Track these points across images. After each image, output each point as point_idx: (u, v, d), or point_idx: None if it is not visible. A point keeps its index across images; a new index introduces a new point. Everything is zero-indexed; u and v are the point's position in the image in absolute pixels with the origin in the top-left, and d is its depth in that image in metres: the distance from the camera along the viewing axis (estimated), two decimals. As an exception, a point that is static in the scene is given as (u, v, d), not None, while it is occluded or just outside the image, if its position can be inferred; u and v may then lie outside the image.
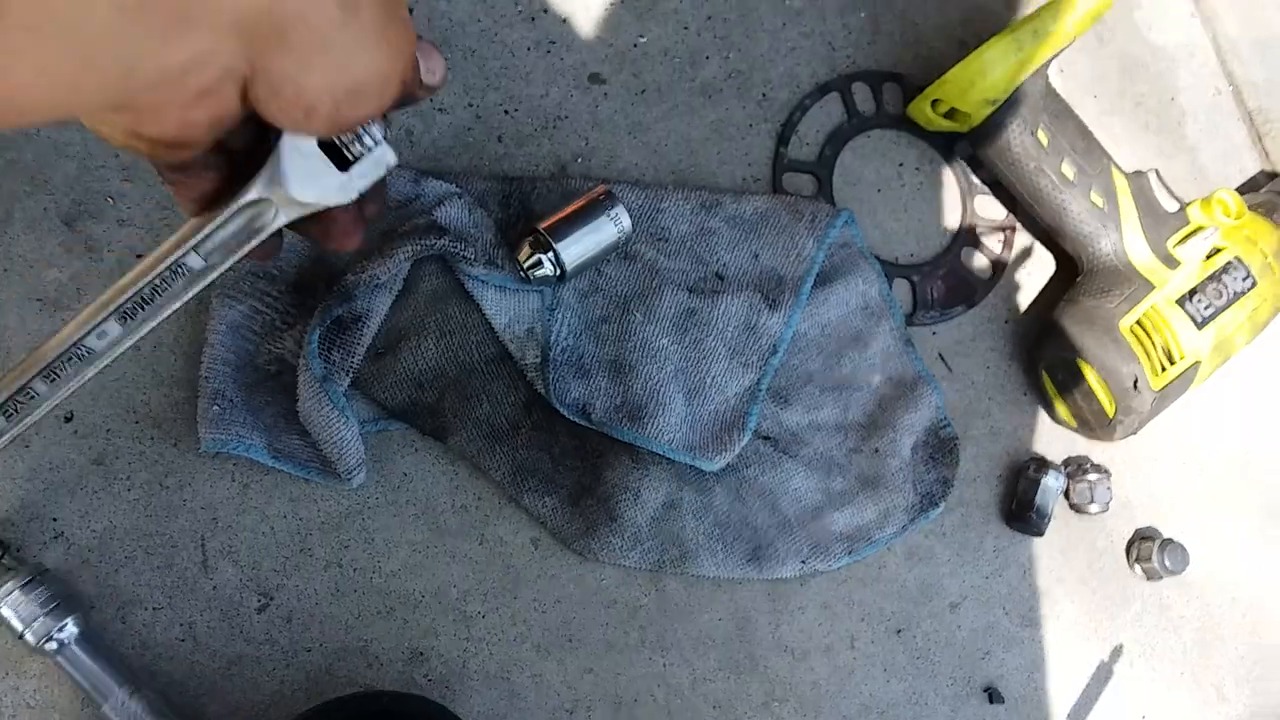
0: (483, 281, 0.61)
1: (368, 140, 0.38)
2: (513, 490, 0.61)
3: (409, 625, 0.59)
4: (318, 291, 0.60)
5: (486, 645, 0.60)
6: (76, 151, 0.59)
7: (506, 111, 0.67)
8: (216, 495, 0.57)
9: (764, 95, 0.73)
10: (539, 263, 0.61)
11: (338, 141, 0.37)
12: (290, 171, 0.36)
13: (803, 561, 0.65)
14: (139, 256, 0.59)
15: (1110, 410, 0.70)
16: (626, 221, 0.62)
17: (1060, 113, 0.73)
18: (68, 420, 0.56)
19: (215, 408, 0.57)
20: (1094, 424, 0.72)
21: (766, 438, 0.67)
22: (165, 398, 0.58)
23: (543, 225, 0.61)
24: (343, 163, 0.38)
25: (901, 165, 0.76)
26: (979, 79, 0.69)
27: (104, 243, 0.59)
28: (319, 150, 0.37)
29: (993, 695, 0.69)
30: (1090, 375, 0.70)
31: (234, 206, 0.38)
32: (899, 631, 0.68)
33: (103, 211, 0.59)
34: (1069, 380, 0.72)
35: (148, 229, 0.59)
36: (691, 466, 0.64)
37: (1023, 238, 0.78)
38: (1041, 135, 0.72)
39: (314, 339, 0.56)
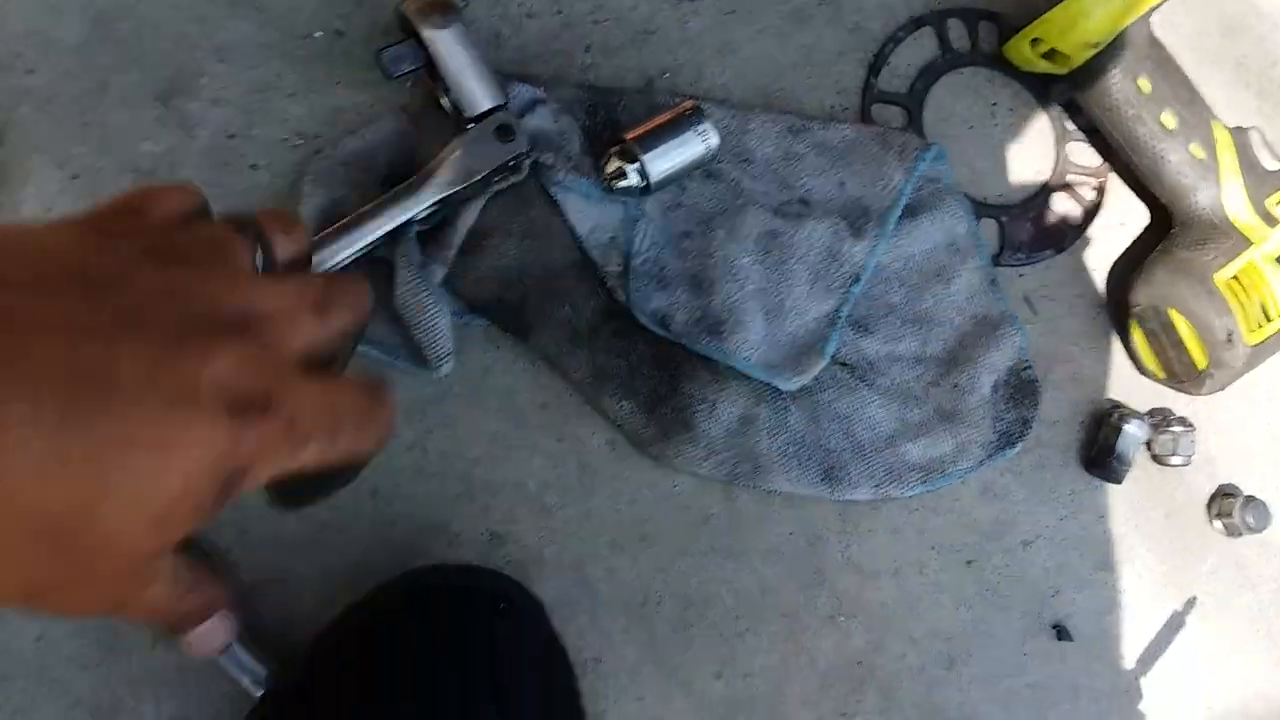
0: (566, 188, 0.62)
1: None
2: (591, 392, 0.62)
3: (489, 510, 0.60)
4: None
5: (562, 536, 0.61)
6: (172, 30, 0.61)
7: (595, 21, 0.67)
8: (305, 375, 0.59)
9: (856, 25, 0.73)
10: (623, 173, 0.61)
11: None
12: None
13: (876, 486, 0.65)
14: (230, 137, 0.60)
15: (1202, 363, 0.69)
16: (714, 138, 0.62)
17: (1163, 61, 0.72)
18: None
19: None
20: (1183, 376, 0.71)
21: (844, 364, 0.67)
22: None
23: (630, 136, 0.61)
24: None
25: (994, 105, 0.75)
26: (1081, 19, 0.68)
27: (197, 120, 0.60)
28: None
29: (1061, 633, 0.68)
30: (1183, 326, 0.69)
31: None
32: (969, 563, 0.68)
33: (197, 90, 0.61)
34: (1160, 330, 0.71)
35: (241, 109, 0.61)
36: (768, 385, 0.64)
37: (1115, 186, 0.76)
38: (1143, 82, 0.70)
39: (412, 229, 0.57)
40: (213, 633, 0.44)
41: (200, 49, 0.61)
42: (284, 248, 0.42)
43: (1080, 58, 0.70)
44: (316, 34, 0.63)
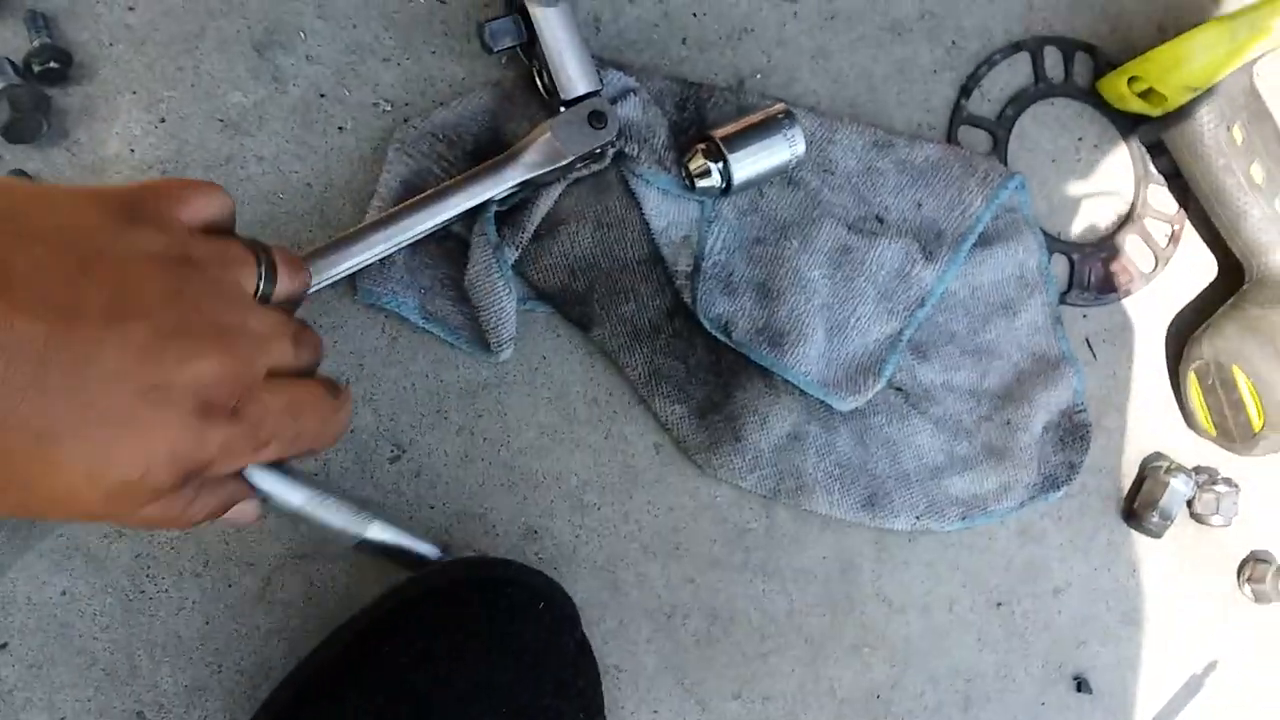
0: (647, 182, 0.61)
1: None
2: (645, 391, 0.61)
3: (528, 502, 0.59)
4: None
5: (597, 536, 0.60)
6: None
7: (694, 14, 0.66)
8: (366, 343, 0.58)
9: (954, 43, 0.71)
10: (707, 172, 0.60)
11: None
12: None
13: (916, 517, 0.64)
14: (321, 96, 0.59)
15: (1258, 424, 0.68)
16: (801, 145, 0.61)
17: (1259, 114, 0.70)
18: (234, 246, 0.57)
19: (375, 261, 0.57)
20: (1236, 435, 0.70)
21: (899, 389, 0.66)
22: (329, 240, 0.59)
23: (718, 134, 0.60)
24: None
25: (1080, 139, 0.73)
26: (1185, 62, 0.66)
27: (290, 75, 0.59)
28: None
29: (1081, 685, 0.68)
30: (1243, 384, 0.68)
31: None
32: (999, 605, 0.67)
33: (294, 44, 0.59)
34: (1219, 387, 0.70)
35: (335, 69, 0.59)
36: (821, 403, 0.63)
37: (1189, 236, 0.75)
38: (1236, 132, 0.69)
39: (491, 208, 0.56)
40: (240, 514, 0.44)
41: (302, 2, 0.59)
42: (286, 285, 0.43)
43: (1177, 100, 0.69)
44: (419, -1, 0.62)
